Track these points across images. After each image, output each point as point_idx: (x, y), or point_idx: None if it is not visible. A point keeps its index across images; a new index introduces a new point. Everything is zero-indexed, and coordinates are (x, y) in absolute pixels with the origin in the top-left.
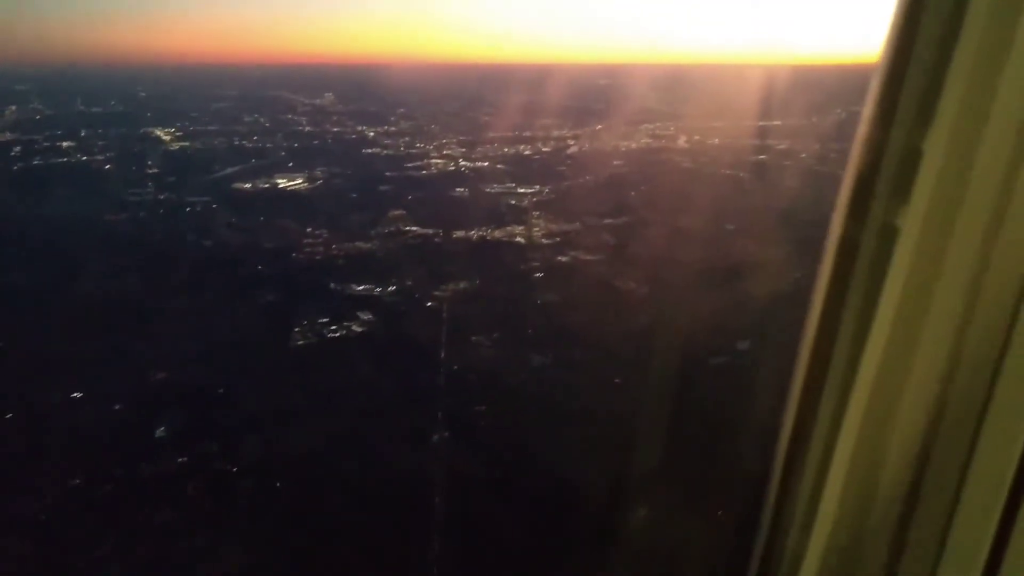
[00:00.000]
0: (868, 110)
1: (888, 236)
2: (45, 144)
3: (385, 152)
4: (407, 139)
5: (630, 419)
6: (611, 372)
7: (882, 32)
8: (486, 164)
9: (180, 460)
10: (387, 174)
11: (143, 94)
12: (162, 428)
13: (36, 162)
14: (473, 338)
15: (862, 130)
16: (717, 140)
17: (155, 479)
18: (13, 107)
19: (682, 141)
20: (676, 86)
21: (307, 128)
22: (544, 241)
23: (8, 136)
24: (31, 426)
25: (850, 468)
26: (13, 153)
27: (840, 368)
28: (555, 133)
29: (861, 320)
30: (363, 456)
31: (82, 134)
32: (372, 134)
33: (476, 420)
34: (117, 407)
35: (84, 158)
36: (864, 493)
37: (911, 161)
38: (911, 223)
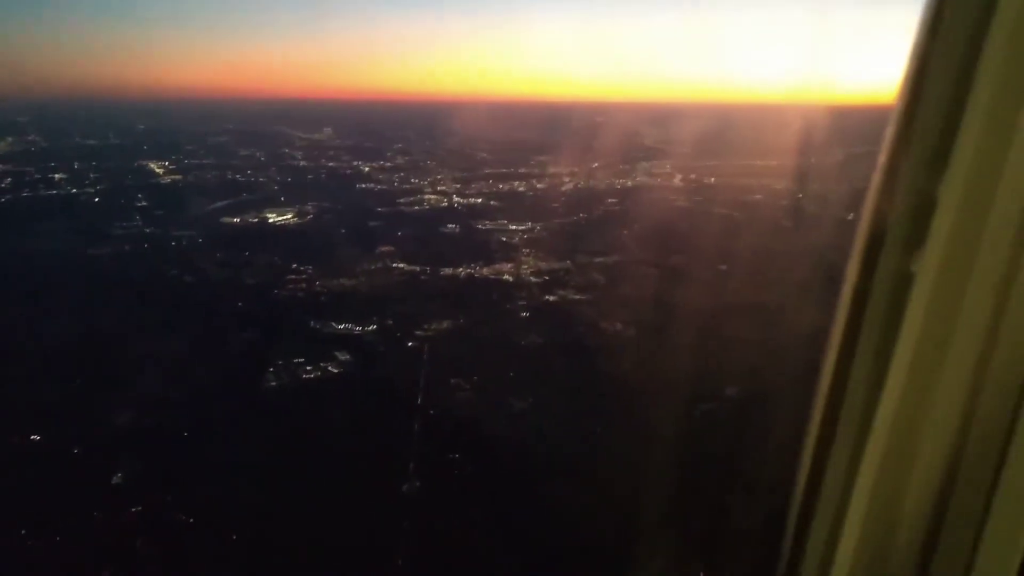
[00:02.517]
0: (882, 157)
1: (903, 283)
2: (37, 176)
3: (379, 187)
4: (402, 174)
5: (609, 471)
6: (592, 420)
7: (892, 71)
8: (479, 200)
9: (134, 509)
10: (378, 209)
11: (141, 127)
12: (119, 474)
13: (25, 194)
14: (452, 381)
15: (876, 177)
16: (713, 179)
17: (106, 529)
18: (9, 139)
19: (678, 180)
20: (675, 124)
21: (302, 163)
22: (532, 279)
23: (0, 167)
24: None
25: (866, 520)
26: (3, 185)
27: (855, 417)
28: (551, 170)
29: (876, 367)
30: (325, 510)
31: (75, 166)
32: (367, 169)
33: (448, 470)
34: (76, 451)
35: (74, 190)
36: (880, 544)
37: (925, 208)
38: (926, 270)
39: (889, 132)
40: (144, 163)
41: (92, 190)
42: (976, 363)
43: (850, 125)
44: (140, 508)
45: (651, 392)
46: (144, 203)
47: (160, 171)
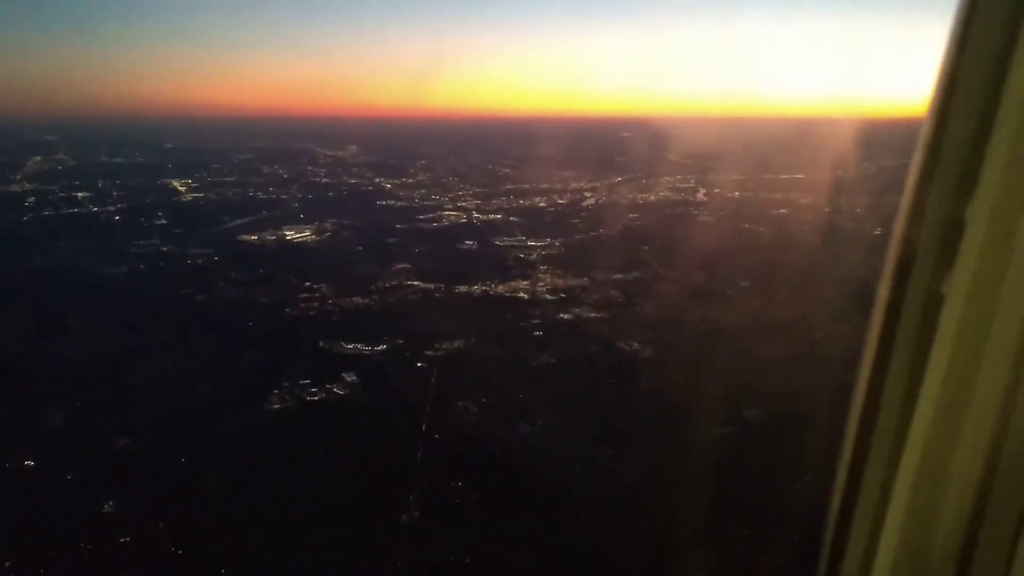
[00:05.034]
0: (911, 179)
1: (934, 304)
2: (61, 195)
3: (399, 204)
4: (423, 191)
5: (620, 501)
6: (603, 445)
7: (922, 83)
8: (499, 216)
9: (122, 540)
10: (397, 226)
11: (168, 145)
12: (111, 502)
13: (47, 213)
14: (459, 403)
15: (905, 198)
16: (738, 193)
17: (92, 562)
18: (38, 158)
19: (702, 194)
20: (700, 138)
21: (324, 180)
22: (548, 297)
23: (26, 186)
24: None
25: (901, 537)
26: (27, 204)
27: (889, 435)
28: (572, 185)
29: (909, 387)
30: (319, 542)
31: (99, 185)
32: (388, 186)
33: (450, 498)
34: (69, 477)
35: (95, 209)
36: (916, 561)
37: (954, 230)
38: (956, 291)
39: (917, 155)
40: (167, 181)
41: (113, 208)
42: (1007, 382)
43: (880, 137)
44: (129, 539)
45: (667, 415)
46: (164, 221)
47: (183, 189)
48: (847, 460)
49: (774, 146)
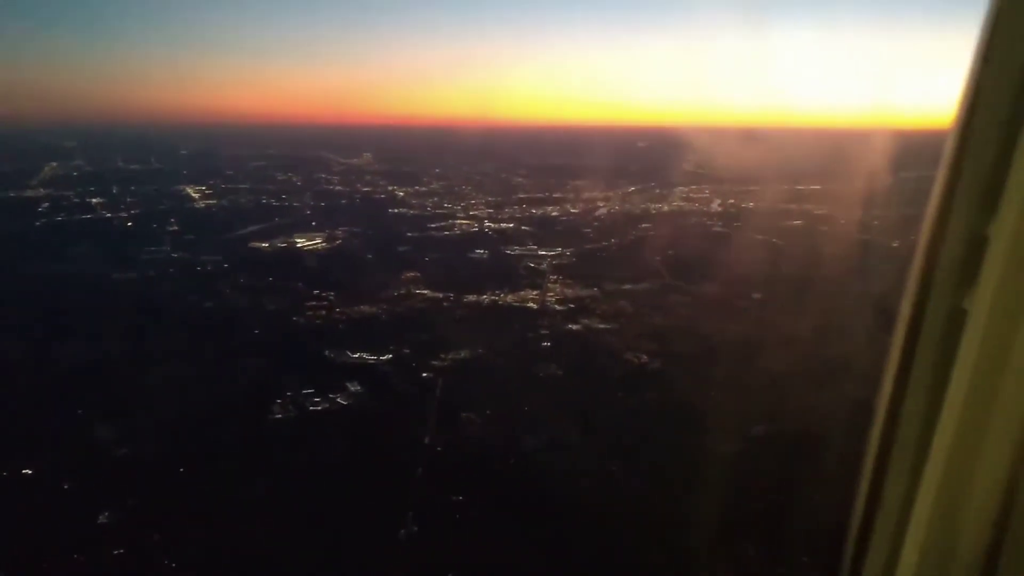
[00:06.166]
0: (934, 194)
1: (956, 320)
2: (75, 200)
3: (411, 212)
4: (435, 199)
5: (624, 517)
6: (609, 459)
7: (941, 95)
8: (511, 225)
9: (116, 552)
10: (408, 234)
11: (184, 152)
12: (107, 512)
13: (59, 218)
14: (463, 415)
15: (928, 215)
16: (752, 204)
17: (83, 572)
18: (54, 163)
19: (716, 204)
20: (716, 148)
21: (337, 187)
22: (557, 307)
23: (41, 192)
24: None
25: (923, 552)
26: (40, 209)
27: (909, 451)
28: (586, 195)
29: (930, 402)
30: (313, 557)
31: (113, 191)
32: (401, 194)
33: (450, 513)
34: (66, 486)
35: (108, 215)
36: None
37: (978, 246)
38: (978, 307)
39: (941, 171)
40: (181, 188)
41: (126, 214)
42: None
43: (898, 149)
44: (123, 551)
45: (675, 430)
46: (175, 228)
47: (196, 195)
48: (868, 475)
49: (793, 157)
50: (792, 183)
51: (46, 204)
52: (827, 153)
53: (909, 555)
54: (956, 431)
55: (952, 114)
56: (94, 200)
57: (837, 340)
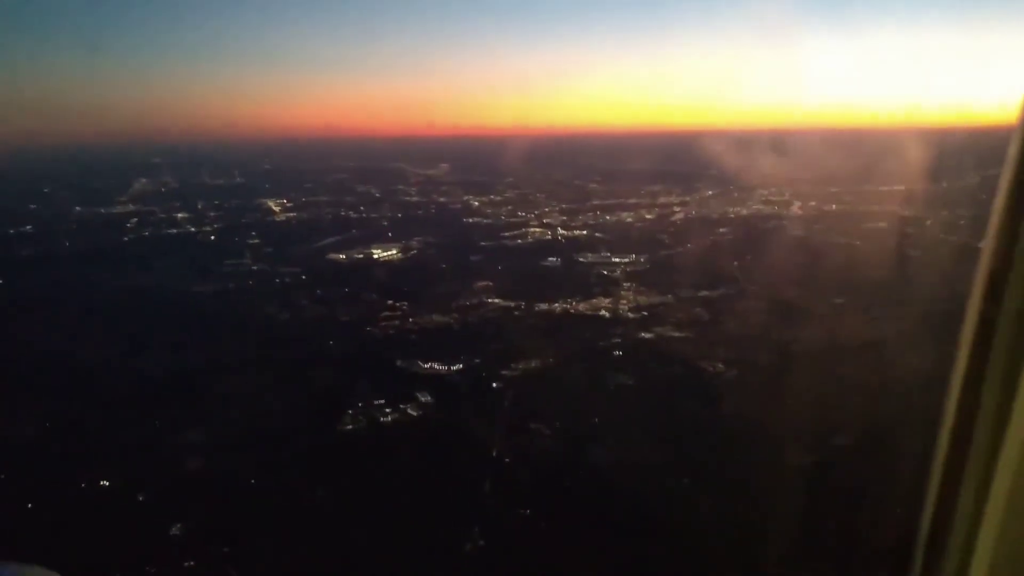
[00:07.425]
0: (1002, 191)
1: None
2: (161, 215)
3: (485, 221)
4: (509, 208)
5: (699, 533)
6: (681, 473)
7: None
8: (584, 232)
9: (186, 564)
10: (482, 244)
11: (266, 166)
12: (178, 525)
13: (146, 233)
14: (532, 426)
15: (995, 214)
16: (834, 206)
17: None
18: (144, 180)
19: (796, 207)
20: (796, 150)
21: (414, 198)
22: (630, 315)
23: (130, 207)
24: (49, 515)
25: (992, 563)
26: (129, 224)
27: (982, 454)
28: (661, 200)
29: (1005, 397)
30: (381, 570)
31: (198, 206)
32: (476, 203)
33: (516, 527)
34: (141, 498)
35: (192, 229)
36: None
37: None
38: None
39: (1007, 167)
40: (263, 201)
41: (209, 228)
42: None
43: (984, 147)
44: (193, 563)
45: (750, 442)
46: (256, 240)
47: (277, 209)
48: (938, 481)
49: (876, 157)
50: (875, 184)
51: (134, 219)
52: (912, 153)
53: (980, 563)
54: None
55: (1019, 110)
56: (179, 215)
57: (922, 346)
